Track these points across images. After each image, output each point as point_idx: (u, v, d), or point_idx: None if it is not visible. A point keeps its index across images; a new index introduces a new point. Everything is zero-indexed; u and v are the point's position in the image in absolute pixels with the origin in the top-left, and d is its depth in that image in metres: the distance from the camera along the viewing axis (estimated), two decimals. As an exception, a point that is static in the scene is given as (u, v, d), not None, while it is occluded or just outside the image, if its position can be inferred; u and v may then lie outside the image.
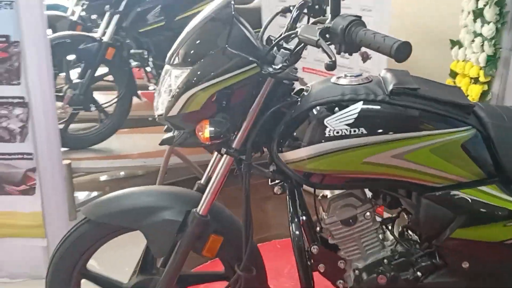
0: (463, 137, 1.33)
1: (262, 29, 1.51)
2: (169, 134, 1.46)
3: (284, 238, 2.62)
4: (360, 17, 1.16)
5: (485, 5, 2.32)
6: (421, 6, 3.00)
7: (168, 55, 1.41)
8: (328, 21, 1.18)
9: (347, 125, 1.32)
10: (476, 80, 2.47)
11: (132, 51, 3.24)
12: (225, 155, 1.43)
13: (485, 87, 2.42)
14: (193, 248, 1.52)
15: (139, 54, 3.24)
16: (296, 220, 1.47)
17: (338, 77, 1.43)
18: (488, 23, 2.34)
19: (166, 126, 1.48)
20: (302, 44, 1.29)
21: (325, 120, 1.33)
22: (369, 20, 2.54)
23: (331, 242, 1.52)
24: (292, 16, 1.49)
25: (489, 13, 2.31)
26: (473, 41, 2.46)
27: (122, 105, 3.34)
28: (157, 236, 1.51)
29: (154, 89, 3.59)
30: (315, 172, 1.39)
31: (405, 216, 1.53)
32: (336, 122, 1.32)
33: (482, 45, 2.39)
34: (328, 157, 1.34)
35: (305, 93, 1.42)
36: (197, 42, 1.34)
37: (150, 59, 3.18)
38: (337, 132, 1.32)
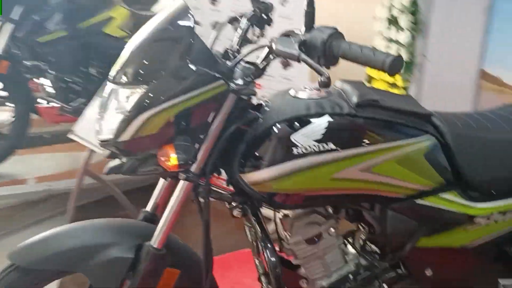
0: (425, 146, 1.33)
1: (211, 42, 1.40)
2: (116, 162, 1.29)
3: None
4: (336, 28, 1.10)
5: (400, 13, 2.42)
6: (335, 12, 3.06)
7: (112, 72, 1.25)
8: (302, 33, 1.11)
9: (315, 141, 1.25)
10: (393, 85, 2.57)
11: (27, 62, 2.91)
12: (182, 181, 1.29)
13: (403, 91, 2.52)
14: (146, 285, 1.36)
15: (36, 66, 2.93)
16: (269, 245, 1.38)
17: (297, 90, 1.37)
18: (404, 30, 2.44)
19: (109, 153, 1.30)
20: (270, 58, 1.20)
21: (292, 136, 1.26)
22: (289, 28, 2.53)
23: (295, 262, 1.45)
24: (243, 28, 1.40)
25: (404, 21, 2.41)
26: (388, 47, 2.55)
27: (19, 122, 2.99)
28: (104, 278, 1.33)
29: (48, 104, 3.29)
30: (281, 192, 1.31)
31: (365, 228, 1.51)
32: (304, 139, 1.26)
33: (398, 51, 2.49)
34: (295, 175, 1.27)
35: (266, 109, 1.33)
36: (150, 57, 1.19)
37: (52, 72, 2.88)
38: (305, 149, 1.25)
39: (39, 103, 3.16)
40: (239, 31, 1.41)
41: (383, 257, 1.48)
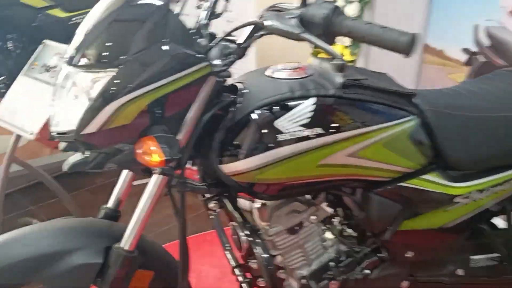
0: (409, 127, 1.28)
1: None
2: (77, 157, 1.11)
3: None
4: (334, 2, 0.99)
5: (348, -15, 2.36)
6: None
7: (68, 53, 1.06)
8: (296, 7, 0.99)
9: (302, 125, 1.16)
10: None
11: None
12: (155, 175, 1.15)
13: (351, 64, 2.48)
14: None
15: None
16: (258, 240, 1.27)
17: (273, 70, 1.25)
18: (352, 2, 2.38)
19: (65, 146, 1.12)
20: (255, 36, 1.08)
21: (276, 122, 1.15)
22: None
23: (274, 253, 1.36)
24: (211, 1, 1.25)
25: (353, -8, 2.36)
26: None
27: None
28: (70, 287, 1.18)
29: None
30: (263, 182, 1.20)
31: (344, 214, 1.45)
32: (289, 124, 1.15)
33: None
34: (281, 164, 1.17)
35: (244, 91, 1.21)
36: (118, 34, 1.02)
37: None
38: (291, 135, 1.15)
39: None
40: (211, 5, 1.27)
41: (363, 242, 1.43)
